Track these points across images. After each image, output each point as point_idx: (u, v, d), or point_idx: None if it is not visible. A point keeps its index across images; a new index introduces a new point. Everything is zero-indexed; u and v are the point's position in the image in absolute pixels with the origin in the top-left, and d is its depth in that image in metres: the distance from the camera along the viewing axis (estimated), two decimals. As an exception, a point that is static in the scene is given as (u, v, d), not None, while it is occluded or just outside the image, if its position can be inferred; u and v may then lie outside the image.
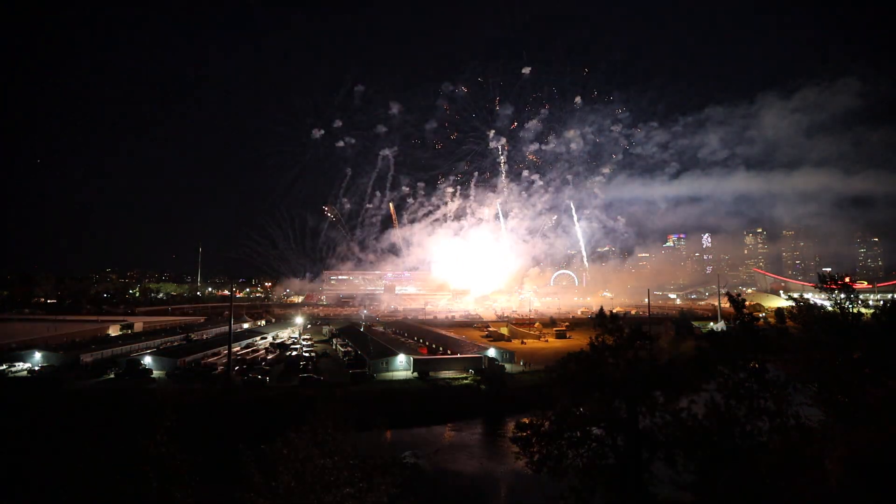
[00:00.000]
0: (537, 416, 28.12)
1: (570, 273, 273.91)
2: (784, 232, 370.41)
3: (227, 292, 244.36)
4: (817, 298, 36.16)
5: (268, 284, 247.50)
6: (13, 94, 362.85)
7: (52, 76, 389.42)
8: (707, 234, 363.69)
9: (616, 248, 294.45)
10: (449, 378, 73.01)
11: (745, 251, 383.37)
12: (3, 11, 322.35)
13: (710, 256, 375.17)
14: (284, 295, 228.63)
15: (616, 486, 26.31)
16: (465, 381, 71.20)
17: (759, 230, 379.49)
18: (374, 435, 21.36)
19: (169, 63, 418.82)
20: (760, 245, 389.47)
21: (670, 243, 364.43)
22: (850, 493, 19.19)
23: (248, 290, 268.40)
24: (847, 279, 33.63)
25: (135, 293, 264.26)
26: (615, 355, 29.63)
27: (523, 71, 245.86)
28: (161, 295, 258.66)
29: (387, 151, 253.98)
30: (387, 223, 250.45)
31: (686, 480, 22.96)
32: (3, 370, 70.57)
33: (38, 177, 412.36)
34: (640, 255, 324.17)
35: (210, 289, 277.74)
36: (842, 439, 21.45)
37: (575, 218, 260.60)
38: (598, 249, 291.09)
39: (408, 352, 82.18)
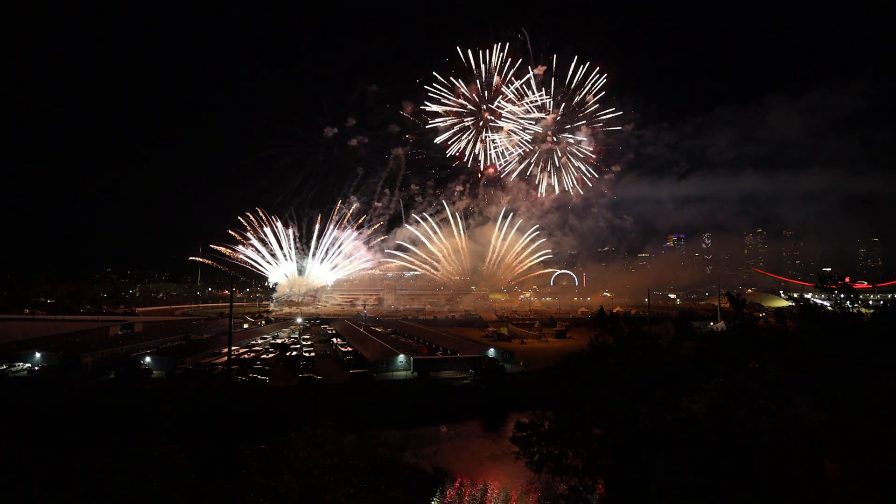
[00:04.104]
0: (537, 416, 28.11)
1: (570, 273, 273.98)
2: (784, 232, 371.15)
3: (227, 292, 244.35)
4: (817, 298, 36.23)
5: (268, 284, 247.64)
6: (12, 93, 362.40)
7: (54, 74, 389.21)
8: (707, 234, 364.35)
9: (622, 247, 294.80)
10: (449, 378, 72.97)
11: (745, 251, 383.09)
12: (3, 10, 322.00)
13: (710, 256, 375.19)
14: (285, 295, 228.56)
15: (616, 486, 26.32)
16: (465, 381, 71.20)
17: (760, 230, 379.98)
18: (374, 435, 21.32)
19: (174, 61, 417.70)
20: (760, 245, 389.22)
21: (670, 243, 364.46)
22: (850, 493, 19.20)
23: (248, 289, 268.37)
24: (847, 279, 33.65)
25: (135, 293, 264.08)
26: (615, 355, 29.66)
27: (535, 71, 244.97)
28: (161, 295, 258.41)
29: (399, 150, 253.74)
30: (393, 222, 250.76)
31: (686, 480, 22.94)
32: (3, 370, 70.54)
33: (38, 176, 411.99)
34: (640, 255, 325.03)
35: (210, 289, 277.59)
36: (842, 439, 21.46)
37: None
38: (599, 249, 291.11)
39: (408, 352, 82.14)
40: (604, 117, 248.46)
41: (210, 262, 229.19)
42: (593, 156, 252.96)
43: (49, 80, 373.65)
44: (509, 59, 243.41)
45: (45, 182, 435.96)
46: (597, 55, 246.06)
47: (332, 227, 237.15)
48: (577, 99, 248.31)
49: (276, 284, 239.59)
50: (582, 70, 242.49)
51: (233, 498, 16.88)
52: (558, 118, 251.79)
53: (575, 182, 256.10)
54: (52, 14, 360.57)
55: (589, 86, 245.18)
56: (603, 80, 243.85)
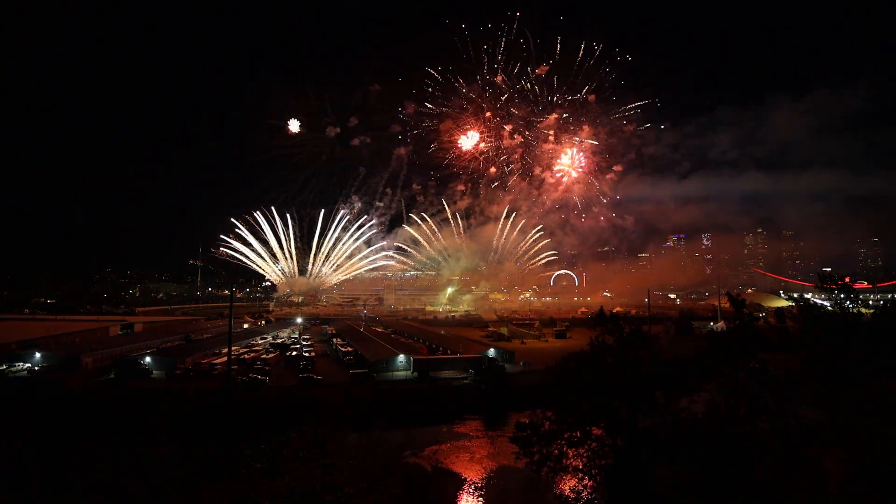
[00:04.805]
0: (537, 416, 28.11)
1: (570, 273, 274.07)
2: (784, 232, 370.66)
3: (227, 292, 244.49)
4: (817, 298, 36.19)
5: (268, 284, 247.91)
6: (12, 93, 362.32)
7: (54, 74, 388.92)
8: (707, 234, 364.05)
9: (623, 247, 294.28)
10: (449, 378, 72.94)
11: (745, 251, 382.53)
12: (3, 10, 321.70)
13: (710, 256, 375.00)
14: (285, 295, 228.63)
15: (616, 486, 26.32)
16: (465, 381, 71.16)
17: (760, 230, 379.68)
18: (374, 435, 21.32)
19: (175, 61, 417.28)
20: (760, 245, 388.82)
21: (670, 243, 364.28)
22: (850, 493, 19.19)
23: (248, 289, 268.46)
24: (847, 279, 33.65)
25: (135, 293, 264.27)
26: (615, 355, 29.67)
27: (538, 70, 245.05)
28: (161, 295, 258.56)
29: (401, 150, 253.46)
30: (394, 222, 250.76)
31: (686, 480, 22.94)
32: (3, 370, 70.50)
33: (38, 176, 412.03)
34: (640, 255, 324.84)
35: (210, 289, 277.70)
36: (842, 439, 21.45)
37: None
38: (599, 249, 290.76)
39: (408, 352, 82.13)
40: (618, 113, 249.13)
41: (210, 262, 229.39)
42: (597, 144, 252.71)
43: (49, 80, 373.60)
44: (512, 60, 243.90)
45: (46, 182, 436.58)
46: (600, 55, 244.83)
47: (333, 226, 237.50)
48: (582, 92, 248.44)
49: (276, 284, 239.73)
50: (590, 60, 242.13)
51: (233, 498, 16.88)
52: (563, 117, 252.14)
53: (578, 181, 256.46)
54: (52, 14, 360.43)
55: (596, 82, 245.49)
56: (614, 74, 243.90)
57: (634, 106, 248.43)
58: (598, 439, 26.97)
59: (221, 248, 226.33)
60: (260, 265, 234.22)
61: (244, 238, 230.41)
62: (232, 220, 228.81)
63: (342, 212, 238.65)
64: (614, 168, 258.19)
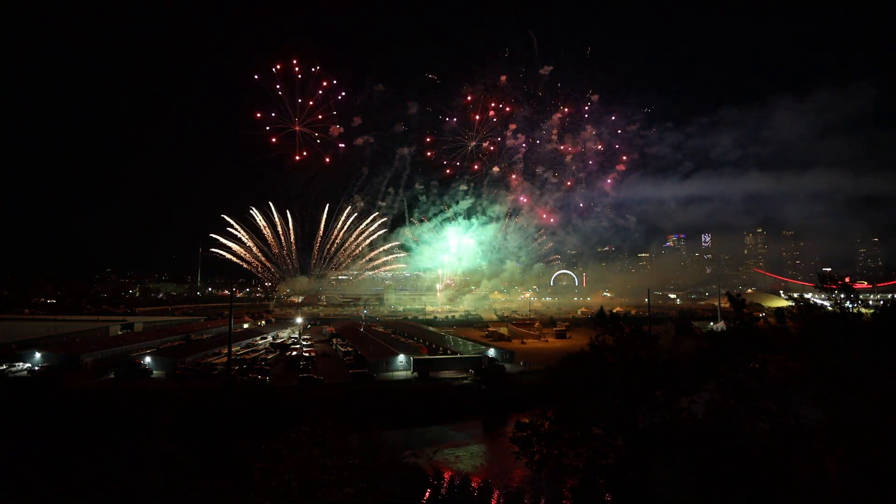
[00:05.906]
0: (537, 416, 28.13)
1: (570, 273, 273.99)
2: (784, 232, 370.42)
3: (227, 292, 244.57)
4: (817, 298, 36.11)
5: (268, 284, 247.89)
6: (12, 93, 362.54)
7: (54, 74, 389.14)
8: (707, 234, 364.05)
9: (624, 247, 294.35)
10: (449, 378, 73.00)
11: (745, 251, 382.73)
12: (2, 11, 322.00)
13: (711, 256, 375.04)
14: (285, 295, 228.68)
15: (616, 486, 26.33)
16: (465, 381, 71.19)
17: (760, 230, 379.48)
18: (374, 435, 21.29)
19: (175, 60, 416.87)
20: (760, 245, 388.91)
21: (671, 243, 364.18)
22: (850, 493, 19.19)
23: (248, 289, 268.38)
24: (847, 279, 33.57)
25: (135, 293, 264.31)
26: (615, 355, 29.67)
27: (541, 71, 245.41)
28: (161, 295, 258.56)
29: (404, 150, 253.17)
30: (396, 222, 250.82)
31: (686, 480, 22.93)
32: (3, 370, 70.48)
33: (39, 177, 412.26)
34: (640, 255, 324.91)
35: (210, 289, 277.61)
36: (842, 439, 21.45)
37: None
38: (600, 249, 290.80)
39: (408, 352, 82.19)
40: (623, 115, 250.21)
41: (210, 262, 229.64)
42: (600, 152, 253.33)
43: (49, 80, 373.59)
44: (517, 60, 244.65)
45: (46, 182, 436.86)
46: (603, 56, 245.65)
47: (335, 226, 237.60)
48: (587, 93, 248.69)
49: (276, 284, 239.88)
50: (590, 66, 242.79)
51: (233, 498, 16.86)
52: (565, 118, 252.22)
53: (581, 182, 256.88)
54: (52, 13, 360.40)
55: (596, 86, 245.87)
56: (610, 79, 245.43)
57: (637, 108, 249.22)
58: (598, 439, 26.99)
59: (220, 250, 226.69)
60: (259, 265, 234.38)
61: (242, 240, 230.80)
62: (232, 220, 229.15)
63: (346, 211, 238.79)
64: (617, 168, 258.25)
